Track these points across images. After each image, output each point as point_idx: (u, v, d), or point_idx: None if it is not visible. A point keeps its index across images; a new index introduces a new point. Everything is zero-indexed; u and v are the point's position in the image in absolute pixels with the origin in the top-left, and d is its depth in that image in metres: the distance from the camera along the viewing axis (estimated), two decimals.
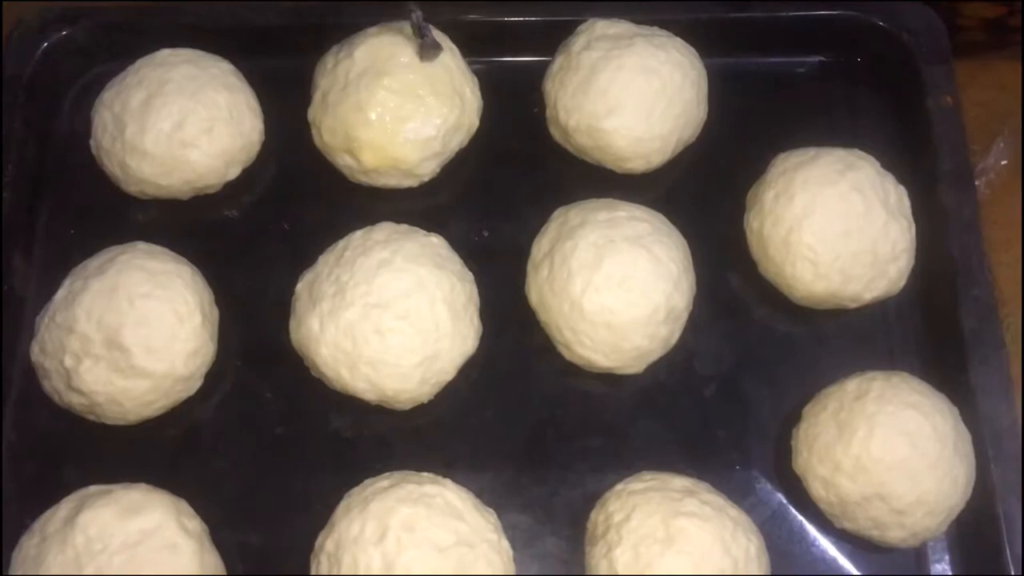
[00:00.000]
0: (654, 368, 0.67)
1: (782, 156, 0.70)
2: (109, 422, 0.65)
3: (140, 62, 0.72)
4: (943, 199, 0.70)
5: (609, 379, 0.67)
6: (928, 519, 0.62)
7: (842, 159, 0.68)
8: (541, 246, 0.68)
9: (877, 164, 0.69)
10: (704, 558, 0.58)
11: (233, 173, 0.72)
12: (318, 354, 0.64)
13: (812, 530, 0.65)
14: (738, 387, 0.68)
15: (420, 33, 0.68)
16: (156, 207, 0.72)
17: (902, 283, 0.68)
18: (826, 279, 0.66)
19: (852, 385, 0.64)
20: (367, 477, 0.63)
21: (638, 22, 0.73)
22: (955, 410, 0.64)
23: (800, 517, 0.65)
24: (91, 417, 0.65)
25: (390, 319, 0.64)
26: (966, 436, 0.63)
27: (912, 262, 0.68)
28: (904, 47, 0.74)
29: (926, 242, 0.69)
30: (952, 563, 0.65)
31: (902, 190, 0.69)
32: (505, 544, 0.61)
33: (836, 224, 0.66)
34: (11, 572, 0.60)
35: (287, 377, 0.67)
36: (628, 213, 0.68)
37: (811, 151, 0.69)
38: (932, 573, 0.65)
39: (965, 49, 0.76)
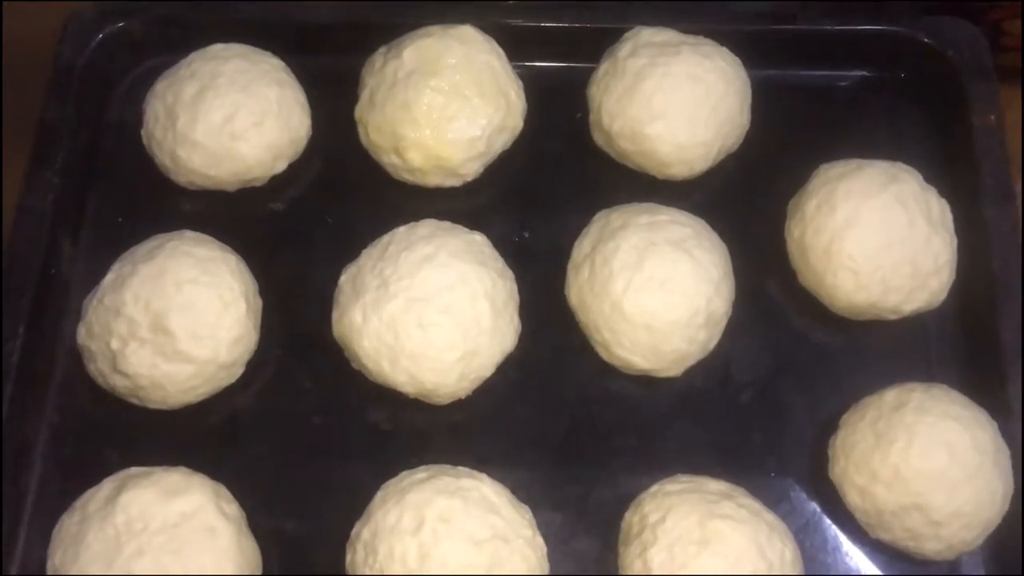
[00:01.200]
0: (691, 372, 0.67)
1: (824, 166, 0.71)
2: (151, 406, 0.66)
3: (193, 55, 0.73)
4: (985, 214, 0.70)
5: (646, 381, 0.67)
6: (964, 532, 0.61)
7: (885, 171, 0.68)
8: (582, 247, 0.69)
9: (920, 177, 0.69)
10: (739, 561, 0.58)
11: (280, 167, 0.73)
12: (360, 346, 0.65)
13: (846, 540, 0.65)
14: (775, 394, 0.68)
15: None
16: (203, 198, 0.73)
17: (943, 296, 0.68)
18: (867, 290, 0.66)
19: (891, 395, 0.64)
20: (403, 469, 0.63)
21: (683, 31, 0.74)
22: (994, 424, 0.64)
23: (834, 527, 0.65)
24: (133, 401, 0.66)
25: (432, 313, 0.64)
26: (1005, 450, 0.63)
27: (953, 275, 0.68)
28: (948, 63, 0.74)
29: (967, 256, 0.69)
30: None
31: (944, 204, 0.69)
32: (540, 541, 0.61)
33: (878, 235, 0.66)
34: (51, 549, 0.60)
35: (326, 369, 0.68)
36: (670, 217, 0.68)
37: (854, 162, 0.70)
38: None
39: (1003, 73, 0.76)
